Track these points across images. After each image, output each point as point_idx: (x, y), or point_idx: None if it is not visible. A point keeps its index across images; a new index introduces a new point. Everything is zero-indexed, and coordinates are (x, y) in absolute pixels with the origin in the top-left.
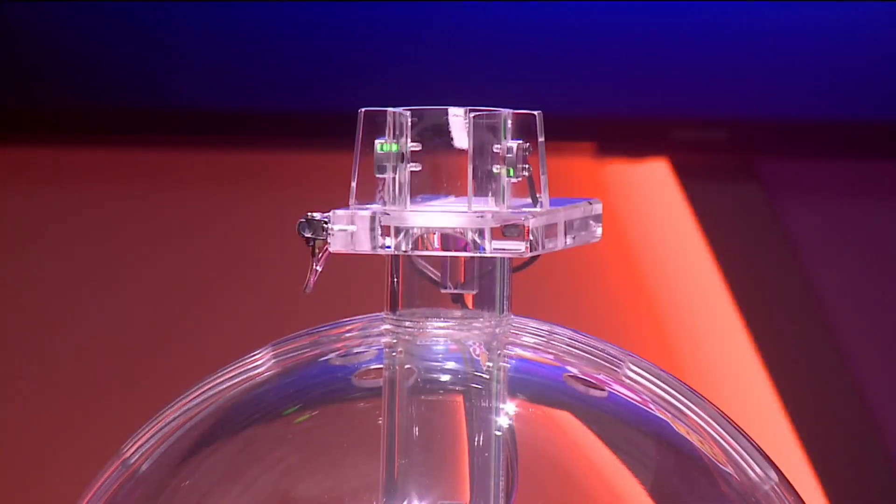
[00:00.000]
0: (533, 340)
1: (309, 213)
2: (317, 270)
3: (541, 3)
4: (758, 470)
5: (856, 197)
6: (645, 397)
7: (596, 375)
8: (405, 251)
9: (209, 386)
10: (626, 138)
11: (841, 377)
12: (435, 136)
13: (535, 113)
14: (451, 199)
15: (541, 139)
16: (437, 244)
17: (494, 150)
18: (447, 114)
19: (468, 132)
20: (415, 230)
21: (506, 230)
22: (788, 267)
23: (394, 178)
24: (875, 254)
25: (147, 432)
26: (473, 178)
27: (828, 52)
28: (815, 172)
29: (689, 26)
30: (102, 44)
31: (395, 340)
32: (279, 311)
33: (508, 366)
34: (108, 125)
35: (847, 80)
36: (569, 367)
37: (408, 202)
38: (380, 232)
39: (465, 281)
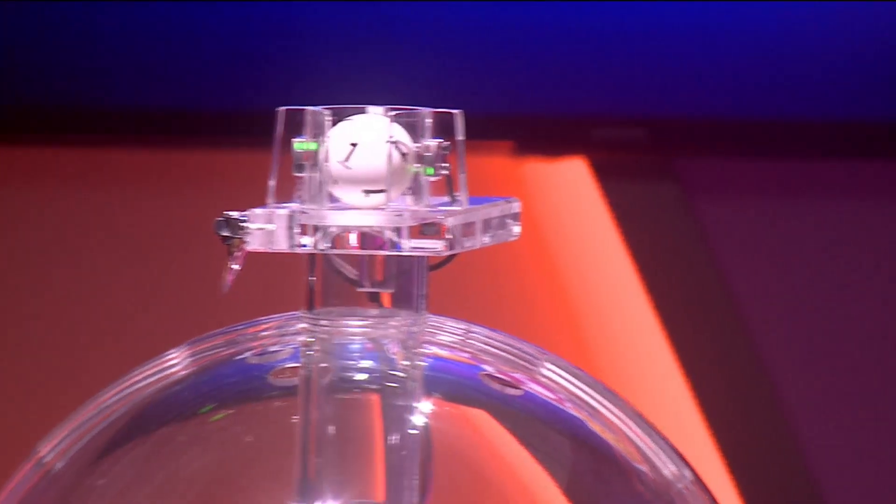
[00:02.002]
0: (449, 339)
1: (226, 212)
2: (235, 269)
3: (458, 3)
4: (672, 468)
5: (770, 196)
6: (561, 396)
7: (512, 374)
8: (322, 250)
9: (125, 384)
10: (544, 137)
11: (756, 376)
12: None
13: (455, 112)
14: None
15: (460, 138)
16: (354, 243)
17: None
18: (366, 112)
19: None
20: (333, 229)
21: (424, 228)
22: (705, 266)
23: (312, 177)
24: (792, 253)
25: (62, 431)
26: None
27: (748, 49)
28: (733, 172)
29: (606, 25)
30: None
31: (311, 339)
32: (196, 310)
33: (424, 364)
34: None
35: (765, 78)
36: (485, 366)
37: (326, 201)
38: (298, 231)
39: (383, 280)
